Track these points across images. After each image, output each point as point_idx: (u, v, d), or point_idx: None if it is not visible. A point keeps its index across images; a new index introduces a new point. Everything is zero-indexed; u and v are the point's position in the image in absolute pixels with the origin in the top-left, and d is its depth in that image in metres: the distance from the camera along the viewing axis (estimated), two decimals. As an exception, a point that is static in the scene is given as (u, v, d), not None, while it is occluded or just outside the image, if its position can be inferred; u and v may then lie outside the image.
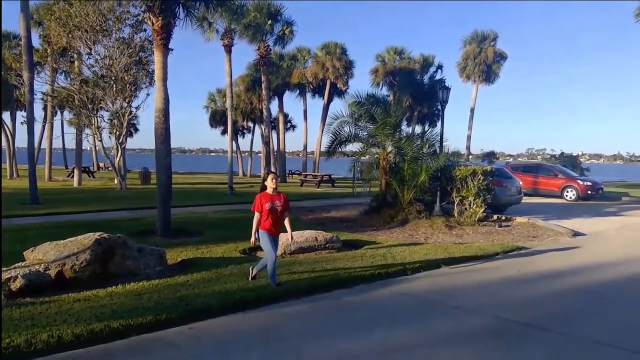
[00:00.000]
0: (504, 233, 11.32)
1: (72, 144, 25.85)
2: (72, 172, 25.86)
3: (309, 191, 22.33)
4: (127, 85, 20.65)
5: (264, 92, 28.11)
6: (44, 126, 29.74)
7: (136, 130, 47.93)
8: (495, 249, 9.00)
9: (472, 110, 39.18)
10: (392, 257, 7.91)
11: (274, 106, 35.52)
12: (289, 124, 40.83)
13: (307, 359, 4.12)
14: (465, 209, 12.54)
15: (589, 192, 20.72)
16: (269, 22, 25.64)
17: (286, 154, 35.14)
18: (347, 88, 33.32)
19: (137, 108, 22.50)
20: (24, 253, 6.40)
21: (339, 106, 53.50)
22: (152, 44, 11.10)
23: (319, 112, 35.58)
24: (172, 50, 10.54)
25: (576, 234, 11.40)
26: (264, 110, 29.25)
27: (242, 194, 20.50)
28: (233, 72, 22.96)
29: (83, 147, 27.51)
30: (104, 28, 19.35)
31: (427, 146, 13.43)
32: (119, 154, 22.55)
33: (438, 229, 11.43)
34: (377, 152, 13.21)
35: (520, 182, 17.10)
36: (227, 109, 23.67)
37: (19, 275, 5.42)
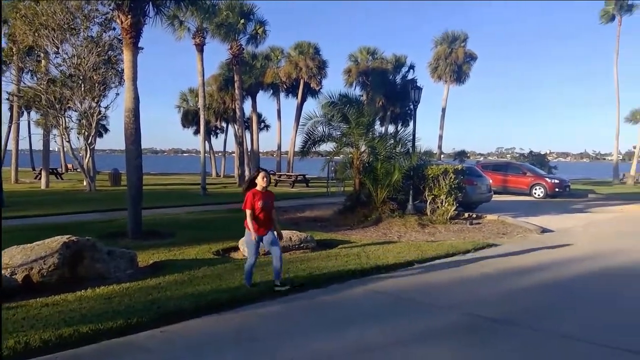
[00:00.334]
0: (475, 230, 11.52)
1: (39, 145, 25.20)
2: (40, 174, 25.20)
3: (283, 191, 22.28)
4: (96, 85, 20.23)
5: (237, 91, 27.89)
6: (9, 127, 28.87)
7: (106, 130, 46.99)
8: (466, 246, 9.15)
9: (443, 110, 39.71)
10: (366, 256, 7.96)
11: (248, 106, 35.35)
12: (262, 124, 40.66)
13: (282, 360, 4.11)
14: (438, 207, 12.72)
15: (557, 189, 21.28)
16: (242, 21, 25.46)
17: (260, 154, 34.95)
18: (321, 88, 33.40)
19: (107, 108, 22.12)
20: (-12, 258, 6.20)
21: (312, 106, 53.47)
22: (122, 43, 10.91)
23: (292, 112, 35.78)
24: (142, 49, 10.38)
25: (544, 230, 11.69)
26: (237, 110, 29.05)
27: (215, 194, 20.34)
28: (205, 71, 22.78)
29: (51, 148, 26.83)
30: (72, 26, 18.92)
31: (400, 146, 13.57)
32: (88, 155, 22.07)
33: (411, 227, 11.56)
34: (350, 152, 13.28)
35: (491, 181, 17.44)
36: (199, 108, 23.46)
37: (-18, 281, 5.25)
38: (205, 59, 22.09)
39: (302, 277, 6.49)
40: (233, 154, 37.76)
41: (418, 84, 15.05)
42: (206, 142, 28.97)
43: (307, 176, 26.62)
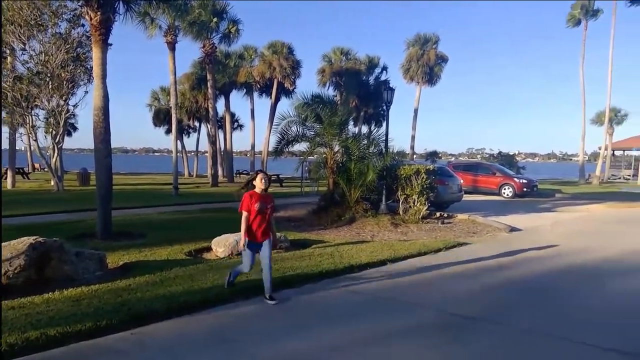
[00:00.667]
0: (446, 230, 11.70)
1: (4, 144, 24.42)
2: (5, 173, 24.42)
3: (256, 191, 22.14)
4: (64, 83, 19.73)
5: (209, 90, 27.64)
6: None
7: (75, 129, 45.91)
8: (438, 245, 9.30)
9: (415, 111, 40.20)
10: (339, 256, 8.01)
11: (221, 105, 35.01)
12: (236, 123, 40.37)
13: (255, 360, 4.10)
14: (410, 206, 12.87)
15: (525, 189, 21.79)
16: (214, 19, 25.27)
17: (234, 154, 34.65)
18: (295, 88, 33.33)
19: (75, 106, 21.57)
20: (-50, 260, 5.99)
21: (286, 106, 53.47)
22: (91, 40, 10.66)
23: (266, 112, 35.52)
24: (112, 45, 10.15)
25: (513, 229, 11.96)
26: (210, 109, 28.79)
27: (187, 194, 20.11)
28: (178, 69, 22.50)
29: (17, 147, 26.04)
30: (39, 22, 18.39)
31: (373, 146, 13.68)
32: (56, 154, 21.52)
33: (384, 226, 11.67)
34: (324, 152, 13.32)
35: (461, 181, 17.74)
36: (171, 107, 23.14)
37: (-56, 284, 5.08)
38: (177, 57, 21.82)
39: (276, 278, 6.47)
40: (206, 154, 37.37)
41: (391, 85, 15.19)
42: (178, 141, 28.58)
43: (281, 176, 26.60)
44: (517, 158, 46.73)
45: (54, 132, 21.31)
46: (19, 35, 18.24)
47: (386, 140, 13.72)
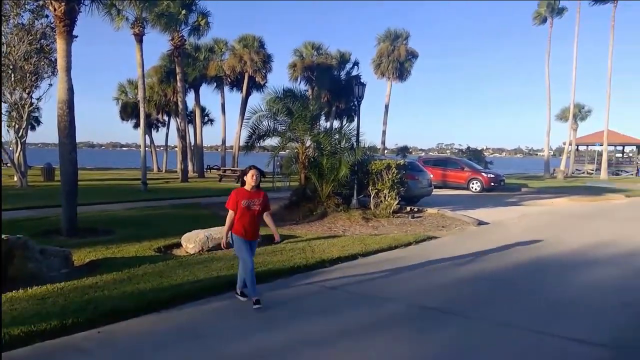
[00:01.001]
0: (416, 224, 11.86)
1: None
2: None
3: (228, 186, 21.96)
4: (28, 75, 19.13)
5: (179, 84, 27.19)
6: None
7: (38, 123, 44.39)
8: (408, 239, 9.42)
9: (386, 106, 40.54)
10: (311, 251, 8.02)
11: (191, 99, 34.53)
12: (206, 118, 39.83)
13: (225, 357, 4.07)
14: (381, 201, 12.97)
15: (492, 183, 22.25)
16: (183, 12, 24.84)
17: (204, 149, 34.22)
18: (266, 82, 33.13)
19: (39, 99, 20.97)
20: None
21: (258, 100, 53.00)
22: (55, 31, 10.33)
23: (237, 106, 35.05)
24: (77, 37, 9.86)
25: (481, 223, 12.21)
26: (180, 103, 28.35)
27: (157, 190, 19.78)
28: (146, 62, 22.13)
29: (-24, 142, 25.09)
30: (1, 13, 17.73)
31: (344, 141, 13.70)
32: (19, 148, 20.87)
33: (355, 221, 11.74)
34: (296, 147, 13.28)
35: (431, 175, 18.00)
36: (139, 101, 22.67)
37: None
38: (145, 50, 21.40)
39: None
40: (176, 149, 36.82)
41: (362, 80, 15.27)
42: (147, 135, 28.07)
43: (252, 171, 26.38)
44: (485, 153, 47.75)
45: (16, 126, 20.65)
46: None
47: (357, 135, 13.77)
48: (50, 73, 20.13)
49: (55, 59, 16.73)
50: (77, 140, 9.68)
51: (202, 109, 35.66)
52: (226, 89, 36.43)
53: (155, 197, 16.38)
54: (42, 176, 25.02)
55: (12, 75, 18.56)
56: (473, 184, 22.38)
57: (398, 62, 38.39)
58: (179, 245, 8.37)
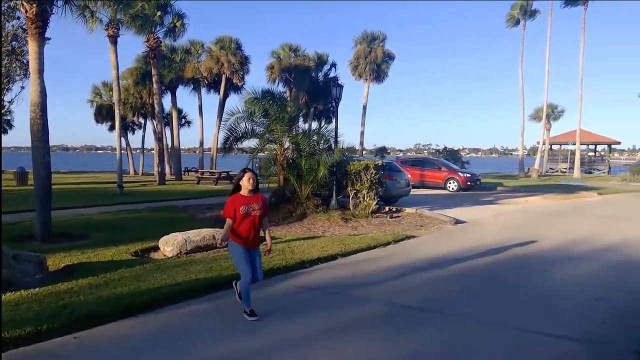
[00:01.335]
0: (394, 223, 11.95)
1: None
2: None
3: (206, 189, 21.82)
4: (-2, 77, 18.61)
5: (155, 86, 26.87)
6: None
7: (10, 126, 43.34)
8: (387, 239, 9.49)
9: (364, 108, 40.77)
10: (290, 252, 8.02)
11: (167, 101, 34.11)
12: (183, 120, 39.43)
13: None
14: (360, 201, 13.04)
15: (469, 183, 22.57)
16: (158, 13, 24.55)
17: (181, 151, 33.91)
18: (244, 84, 32.92)
19: (11, 102, 20.41)
20: None
21: (235, 102, 52.74)
22: (27, 33, 10.10)
23: (215, 108, 34.74)
24: (50, 39, 9.67)
25: (458, 222, 12.37)
26: (156, 105, 27.99)
27: (133, 193, 19.50)
28: (121, 64, 21.77)
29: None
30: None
31: (323, 142, 13.74)
32: (-11, 152, 20.27)
33: (335, 222, 11.77)
34: (274, 148, 13.26)
35: (409, 176, 18.17)
36: (114, 103, 22.33)
37: None
38: (120, 52, 21.07)
39: (227, 275, 6.41)
40: (152, 151, 36.35)
41: (339, 82, 15.35)
42: (122, 138, 27.65)
43: (230, 173, 26.22)
44: (462, 153, 48.36)
45: (-14, 130, 20.07)
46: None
47: (336, 136, 13.83)
48: (22, 75, 19.65)
49: (27, 61, 16.37)
50: (51, 143, 9.51)
51: (179, 111, 35.31)
52: (203, 90, 36.15)
53: (131, 201, 16.14)
54: (14, 180, 24.42)
55: (-18, 78, 18.07)
56: (450, 183, 22.65)
57: (375, 64, 38.63)
58: (156, 248, 8.27)
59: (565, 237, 10.24)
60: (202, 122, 36.74)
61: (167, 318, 4.97)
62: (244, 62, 33.62)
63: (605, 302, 5.77)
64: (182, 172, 32.10)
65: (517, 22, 39.22)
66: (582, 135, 40.15)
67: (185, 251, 7.94)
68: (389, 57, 39.69)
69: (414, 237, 10.12)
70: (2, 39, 17.87)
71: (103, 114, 37.83)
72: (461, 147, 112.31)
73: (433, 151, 60.51)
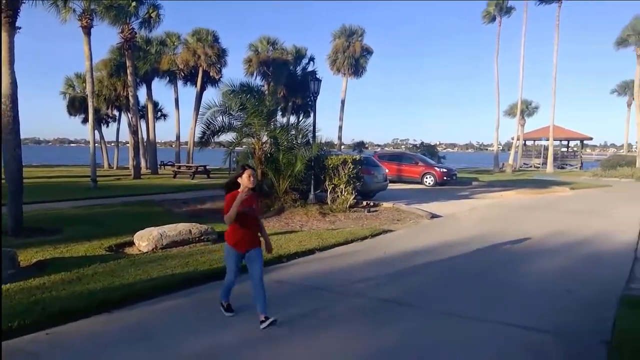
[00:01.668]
0: (372, 218, 12.03)
1: None
2: None
3: (182, 183, 21.58)
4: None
5: (129, 78, 26.37)
6: None
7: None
8: (364, 233, 9.55)
9: (342, 102, 40.83)
10: (267, 246, 7.99)
11: (142, 93, 33.55)
12: (159, 113, 38.87)
13: (177, 357, 4.01)
14: (338, 196, 13.09)
15: (445, 178, 22.86)
16: (133, 4, 24.04)
17: (157, 144, 33.40)
18: (221, 77, 32.61)
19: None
20: None
21: (213, 95, 52.25)
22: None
23: (192, 101, 34.31)
24: (20, 29, 9.40)
25: (434, 216, 12.52)
26: (131, 98, 27.49)
27: (107, 187, 19.17)
28: (95, 55, 21.28)
29: None
30: None
31: (301, 136, 13.74)
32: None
33: (313, 216, 11.79)
34: (252, 142, 13.19)
35: (387, 170, 18.28)
36: (87, 95, 21.84)
37: None
38: (94, 43, 20.59)
39: (203, 270, 6.37)
40: (127, 144, 35.74)
41: (318, 76, 15.32)
42: (96, 131, 27.12)
43: (208, 167, 25.99)
44: (438, 148, 48.84)
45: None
46: None
47: (314, 130, 13.83)
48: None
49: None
50: (22, 136, 9.26)
51: (155, 104, 34.79)
52: (180, 83, 35.69)
53: (105, 195, 15.86)
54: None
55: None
56: (427, 178, 22.89)
57: (353, 58, 38.71)
58: (131, 243, 8.16)
59: (538, 231, 10.46)
60: (179, 115, 36.30)
61: (142, 314, 4.92)
62: (222, 54, 33.29)
63: (576, 294, 5.93)
64: (158, 166, 31.68)
65: (493, 19, 39.72)
66: (555, 131, 40.96)
67: (161, 246, 7.85)
68: (367, 52, 39.82)
69: (391, 231, 10.21)
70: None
71: (76, 106, 37.00)
72: (438, 142, 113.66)
73: (410, 146, 61.06)
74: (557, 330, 4.71)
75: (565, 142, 53.05)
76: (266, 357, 4.04)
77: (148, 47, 32.90)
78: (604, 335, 4.53)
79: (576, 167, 45.54)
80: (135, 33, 26.25)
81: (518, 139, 44.72)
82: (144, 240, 7.87)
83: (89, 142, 21.50)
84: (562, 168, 44.96)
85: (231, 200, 4.52)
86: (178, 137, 37.09)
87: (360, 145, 43.82)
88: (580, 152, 51.87)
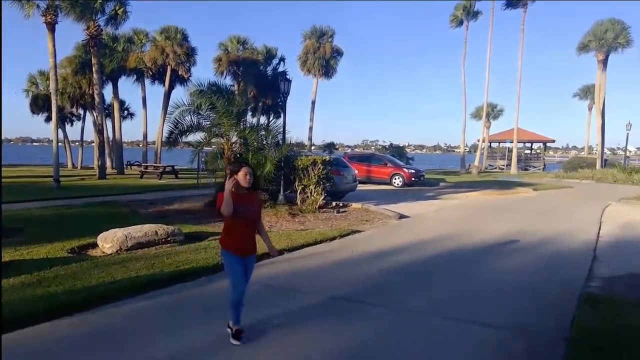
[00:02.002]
0: (341, 218, 12.09)
1: None
2: None
3: (150, 183, 21.19)
4: None
5: (95, 75, 25.73)
6: None
7: None
8: (333, 234, 9.60)
9: (313, 103, 40.93)
10: (235, 247, 7.93)
11: (108, 92, 32.84)
12: (126, 112, 38.07)
13: None
14: (307, 197, 13.10)
15: (413, 179, 23.17)
16: (99, 0, 23.54)
17: (124, 144, 32.74)
18: (190, 75, 32.18)
19: None
20: None
21: (181, 94, 51.33)
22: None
23: (160, 100, 33.74)
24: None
25: (402, 216, 12.67)
26: (96, 96, 26.82)
27: (71, 187, 18.67)
28: (60, 52, 20.72)
29: None
30: None
31: (271, 137, 13.68)
32: None
33: (282, 217, 11.77)
34: (221, 143, 13.07)
35: (356, 171, 18.42)
36: (51, 93, 21.23)
37: None
38: (59, 39, 20.09)
39: (169, 272, 6.28)
40: (92, 144, 34.89)
41: (288, 77, 15.34)
42: (60, 130, 26.42)
43: (176, 167, 25.61)
44: (407, 149, 49.49)
45: None
46: None
47: (283, 131, 13.81)
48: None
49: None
50: (-21, 134, 8.92)
51: (121, 103, 34.10)
52: (147, 82, 35.04)
53: (69, 195, 15.44)
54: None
55: None
56: (395, 179, 23.14)
57: (324, 59, 38.86)
58: (94, 245, 7.97)
59: (502, 231, 10.71)
60: (146, 115, 35.63)
61: (105, 317, 4.81)
62: (190, 53, 32.87)
63: (537, 293, 6.10)
64: (125, 166, 31.04)
65: (461, 23, 40.48)
66: (519, 134, 42.04)
67: (126, 248, 7.69)
68: (337, 53, 40.02)
69: (359, 231, 10.28)
70: None
71: (39, 104, 35.86)
72: (407, 144, 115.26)
73: (380, 147, 61.58)
74: (518, 327, 4.84)
75: (529, 145, 54.57)
76: (236, 358, 4.01)
77: (115, 45, 32.22)
78: (563, 332, 4.67)
79: (539, 169, 46.86)
80: (102, 30, 25.69)
81: (484, 141, 45.70)
82: (108, 241, 7.70)
83: (52, 141, 20.90)
84: (526, 170, 46.20)
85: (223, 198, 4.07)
86: (145, 137, 36.43)
87: (330, 146, 43.97)
88: (543, 154, 53.50)
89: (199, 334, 4.46)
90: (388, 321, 4.96)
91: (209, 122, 13.08)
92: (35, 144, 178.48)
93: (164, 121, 30.49)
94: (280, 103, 36.49)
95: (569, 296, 5.88)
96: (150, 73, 33.66)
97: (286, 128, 13.94)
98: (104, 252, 7.64)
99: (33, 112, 36.98)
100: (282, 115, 15.68)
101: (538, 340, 4.58)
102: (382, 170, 23.54)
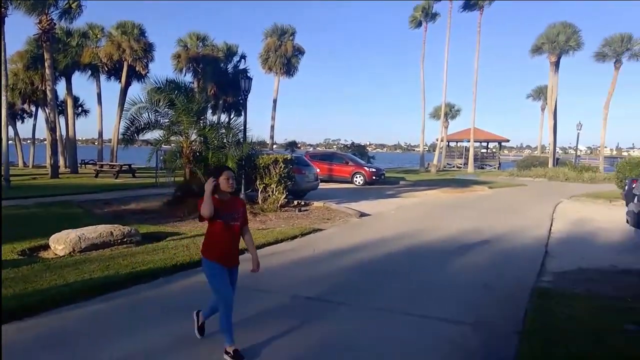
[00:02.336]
0: (303, 217, 12.10)
1: None
2: None
3: (105, 182, 20.59)
4: None
5: (47, 71, 24.77)
6: None
7: None
8: (294, 232, 9.59)
9: (274, 101, 40.70)
10: (195, 247, 7.79)
11: (62, 88, 31.67)
12: (80, 109, 36.87)
13: (98, 362, 3.83)
14: (269, 195, 13.04)
15: (374, 177, 23.44)
16: (52, -8, 22.71)
17: (78, 142, 31.67)
18: (148, 72, 31.40)
19: None
20: None
21: (138, 90, 50.20)
22: None
23: (116, 97, 32.77)
24: None
25: (363, 215, 12.80)
26: (49, 92, 25.84)
27: (21, 187, 17.93)
28: (10, 47, 19.80)
29: None
30: None
31: (231, 135, 13.52)
32: None
33: (242, 216, 11.65)
34: (180, 141, 12.83)
35: (318, 170, 18.46)
36: (0, 89, 20.28)
37: None
38: (9, 33, 19.20)
39: (125, 274, 6.12)
40: (45, 142, 33.56)
41: (249, 74, 15.21)
42: (10, 127, 25.29)
43: (133, 166, 24.96)
44: (368, 148, 50.16)
45: None
46: None
47: (244, 129, 13.68)
48: None
49: None
50: None
51: (75, 99, 32.98)
52: (103, 78, 33.93)
53: (19, 195, 14.81)
54: None
55: None
56: (357, 177, 23.35)
57: (285, 58, 38.68)
58: (46, 247, 7.69)
59: (459, 228, 10.98)
60: (102, 112, 34.45)
61: (57, 320, 4.65)
62: (148, 49, 32.10)
63: (492, 288, 6.29)
64: (79, 165, 30.04)
65: (420, 24, 41.16)
66: (475, 134, 43.17)
67: (79, 249, 7.45)
68: (299, 52, 39.93)
69: (320, 230, 10.31)
70: None
71: (-13, 99, 34.22)
72: (368, 143, 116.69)
73: (342, 146, 62.02)
74: (475, 321, 4.98)
75: (485, 144, 56.07)
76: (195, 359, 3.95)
77: (69, 39, 31.06)
78: (517, 325, 4.84)
79: (494, 168, 48.23)
80: (55, 24, 24.75)
81: (442, 141, 46.70)
82: (61, 243, 7.43)
83: (1, 139, 19.97)
84: (482, 168, 47.47)
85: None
86: (101, 134, 35.28)
87: (292, 145, 43.88)
88: (498, 153, 55.08)
89: (156, 334, 4.38)
90: (351, 319, 5.00)
91: (167, 120, 12.82)
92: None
93: (120, 118, 29.61)
94: (241, 101, 36.07)
95: (521, 291, 6.09)
96: (106, 69, 32.63)
97: (247, 126, 13.83)
98: (56, 254, 7.37)
99: (-20, 108, 35.26)
100: (243, 114, 15.52)
101: (494, 333, 4.73)
102: (344, 169, 23.69)
